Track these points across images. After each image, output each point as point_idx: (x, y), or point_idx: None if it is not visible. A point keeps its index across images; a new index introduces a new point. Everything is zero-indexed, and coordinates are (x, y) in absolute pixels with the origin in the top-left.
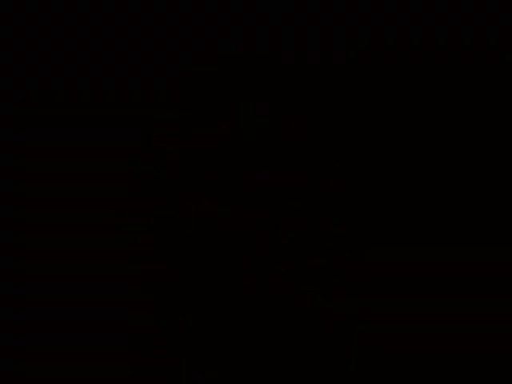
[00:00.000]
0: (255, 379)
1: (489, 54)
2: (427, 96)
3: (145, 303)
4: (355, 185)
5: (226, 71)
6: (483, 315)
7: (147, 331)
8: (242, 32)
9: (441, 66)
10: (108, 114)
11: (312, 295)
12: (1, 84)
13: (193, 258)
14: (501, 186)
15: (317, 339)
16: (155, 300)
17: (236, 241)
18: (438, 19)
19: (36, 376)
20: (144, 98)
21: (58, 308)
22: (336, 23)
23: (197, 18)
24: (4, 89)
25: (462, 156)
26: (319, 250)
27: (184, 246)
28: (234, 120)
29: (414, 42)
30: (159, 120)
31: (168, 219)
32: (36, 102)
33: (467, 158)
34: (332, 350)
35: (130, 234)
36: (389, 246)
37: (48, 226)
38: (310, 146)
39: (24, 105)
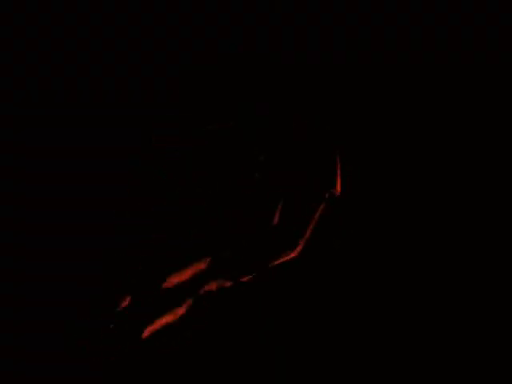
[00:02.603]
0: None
1: (489, 54)
2: (427, 96)
3: (147, 302)
4: (355, 185)
5: (226, 71)
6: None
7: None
8: (241, 32)
9: (441, 66)
10: (108, 114)
11: None
12: (1, 84)
13: (191, 257)
14: (499, 186)
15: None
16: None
17: (235, 240)
18: (437, 19)
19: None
20: (144, 97)
21: (56, 308)
22: (336, 23)
23: (197, 18)
24: (4, 89)
25: (461, 157)
26: (318, 248)
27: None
28: (234, 120)
29: (414, 42)
30: (159, 120)
31: (167, 219)
32: (36, 102)
33: (467, 159)
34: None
35: (130, 233)
36: (389, 247)
37: (48, 226)
38: (310, 145)
39: (24, 105)
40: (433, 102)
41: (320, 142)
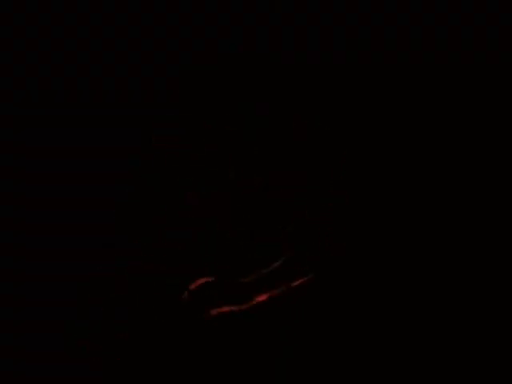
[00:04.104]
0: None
1: (489, 54)
2: (427, 96)
3: (148, 302)
4: (355, 185)
5: (226, 71)
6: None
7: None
8: (242, 32)
9: (441, 66)
10: (108, 114)
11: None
12: (1, 84)
13: (191, 258)
14: (499, 186)
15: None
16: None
17: (236, 240)
18: (437, 19)
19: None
20: (144, 97)
21: (56, 308)
22: (336, 23)
23: (197, 18)
24: (4, 89)
25: (461, 157)
26: (318, 249)
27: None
28: (234, 120)
29: (414, 42)
30: (159, 120)
31: (167, 219)
32: (36, 102)
33: (467, 158)
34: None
35: (130, 234)
36: (388, 247)
37: (48, 226)
38: (310, 146)
39: (24, 105)
40: (433, 101)
41: (320, 142)
